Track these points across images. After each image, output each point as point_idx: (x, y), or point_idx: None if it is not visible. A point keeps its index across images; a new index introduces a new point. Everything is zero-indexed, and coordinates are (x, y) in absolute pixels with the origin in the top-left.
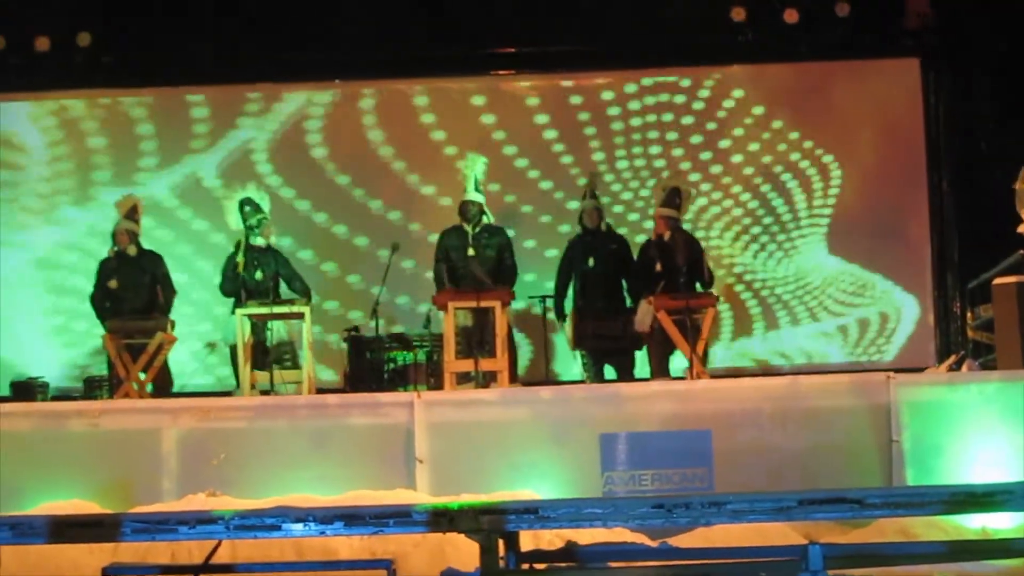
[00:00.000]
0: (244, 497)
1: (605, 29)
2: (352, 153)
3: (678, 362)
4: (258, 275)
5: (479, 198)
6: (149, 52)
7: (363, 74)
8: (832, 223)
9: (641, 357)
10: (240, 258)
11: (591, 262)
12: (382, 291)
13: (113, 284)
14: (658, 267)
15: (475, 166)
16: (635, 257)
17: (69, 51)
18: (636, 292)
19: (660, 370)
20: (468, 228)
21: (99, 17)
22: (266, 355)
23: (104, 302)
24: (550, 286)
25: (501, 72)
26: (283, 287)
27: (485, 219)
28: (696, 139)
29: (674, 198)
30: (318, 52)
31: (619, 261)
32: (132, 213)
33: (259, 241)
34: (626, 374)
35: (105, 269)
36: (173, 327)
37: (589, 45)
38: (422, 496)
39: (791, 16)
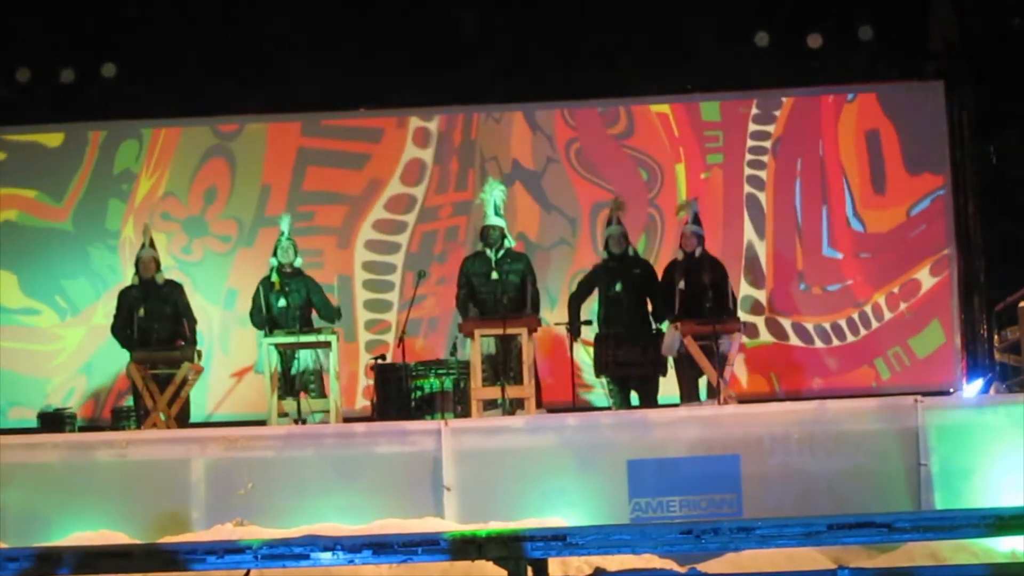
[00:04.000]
0: (272, 526)
1: (627, 55)
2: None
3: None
4: (281, 303)
5: (500, 223)
6: (175, 82)
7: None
8: (856, 246)
9: (665, 383)
10: (275, 277)
11: (618, 287)
12: (408, 318)
13: (141, 312)
14: (681, 285)
15: (493, 191)
16: (660, 278)
17: (94, 82)
18: (661, 314)
19: (689, 395)
20: (491, 253)
21: (124, 47)
22: (292, 384)
23: (126, 331)
24: None
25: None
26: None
27: (506, 243)
28: (717, 162)
29: (698, 217)
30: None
31: (644, 286)
32: (152, 242)
33: (287, 261)
34: (650, 400)
35: (127, 298)
36: (200, 357)
37: (607, 72)
38: (450, 524)
39: (814, 41)
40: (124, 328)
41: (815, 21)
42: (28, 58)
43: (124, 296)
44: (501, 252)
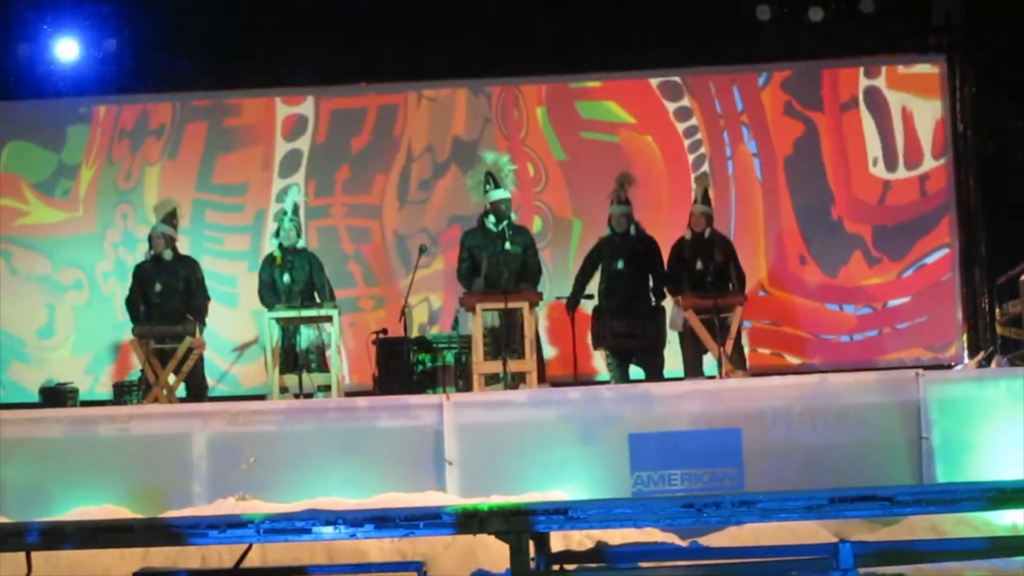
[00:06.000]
0: (274, 501)
1: (627, 28)
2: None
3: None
4: (286, 278)
5: (508, 195)
6: (177, 57)
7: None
8: (857, 220)
9: (669, 357)
10: (277, 253)
11: (620, 264)
12: (410, 293)
13: (157, 287)
14: (699, 265)
15: (498, 162)
16: (666, 256)
17: (95, 57)
18: (662, 292)
19: (693, 369)
20: (492, 226)
21: (125, 22)
22: (296, 359)
23: (139, 306)
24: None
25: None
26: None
27: (512, 215)
28: (720, 139)
29: (708, 197)
30: (341, 55)
31: (647, 262)
32: (170, 218)
33: (295, 242)
34: (655, 374)
35: (140, 273)
36: (202, 332)
37: (607, 46)
38: (452, 498)
39: (816, 14)
40: (135, 302)
41: None
42: (28, 33)
43: (137, 271)
44: (504, 224)
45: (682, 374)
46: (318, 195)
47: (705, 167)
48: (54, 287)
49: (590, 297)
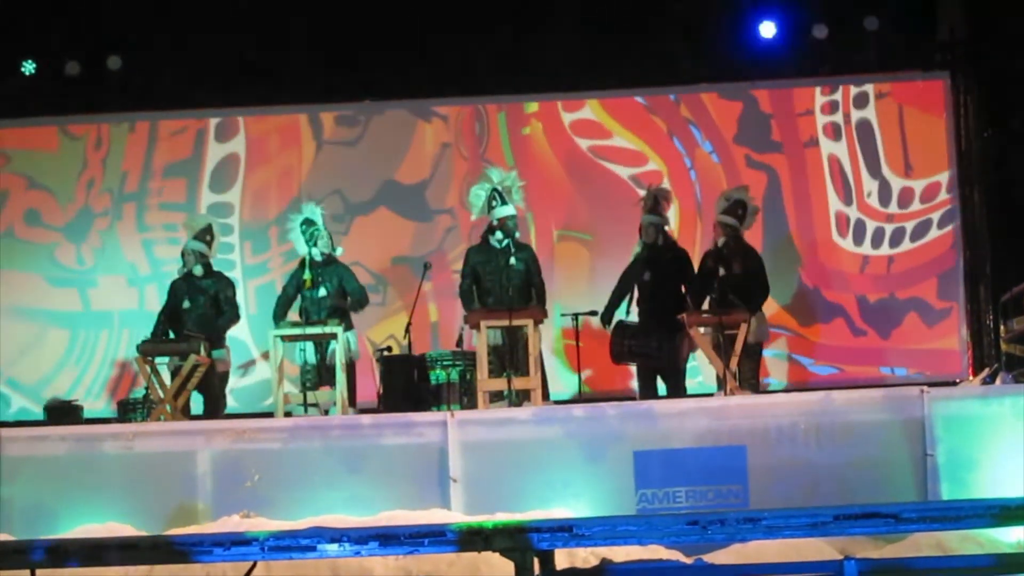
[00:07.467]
0: (278, 518)
1: (634, 46)
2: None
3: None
4: (321, 292)
5: (514, 211)
6: (181, 74)
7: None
8: (863, 237)
9: (692, 373)
10: (307, 275)
11: (648, 275)
12: (414, 312)
13: (186, 304)
14: (721, 272)
15: (505, 180)
16: (696, 268)
17: (99, 75)
18: (695, 304)
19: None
20: (496, 243)
21: (129, 40)
22: (330, 373)
23: (169, 323)
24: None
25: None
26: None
27: (516, 233)
28: (723, 155)
29: (737, 209)
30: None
31: (676, 274)
32: (203, 234)
33: (318, 254)
34: (675, 390)
35: (173, 289)
36: (208, 350)
37: (616, 64)
38: (456, 515)
39: (820, 32)
40: (165, 319)
41: (821, 11)
42: (33, 51)
43: (172, 287)
44: (506, 241)
45: (712, 389)
46: (255, 253)
47: (666, 182)
48: None
49: (594, 313)
